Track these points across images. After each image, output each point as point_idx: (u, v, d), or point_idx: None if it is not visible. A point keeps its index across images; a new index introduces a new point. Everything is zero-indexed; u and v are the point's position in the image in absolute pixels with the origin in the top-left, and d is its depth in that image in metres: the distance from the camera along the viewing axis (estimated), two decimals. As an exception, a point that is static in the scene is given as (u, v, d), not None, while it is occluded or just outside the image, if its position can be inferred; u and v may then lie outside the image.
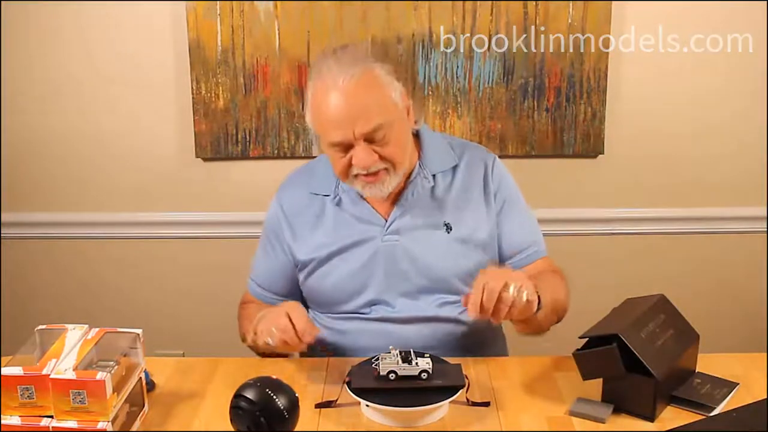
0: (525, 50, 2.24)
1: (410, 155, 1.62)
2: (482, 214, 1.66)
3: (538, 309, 1.47)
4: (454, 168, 1.68)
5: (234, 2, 2.19)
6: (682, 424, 1.31)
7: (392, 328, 1.63)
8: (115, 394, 1.25)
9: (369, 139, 1.51)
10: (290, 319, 1.44)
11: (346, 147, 1.53)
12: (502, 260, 1.69)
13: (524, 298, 1.39)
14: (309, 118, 1.58)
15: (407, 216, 1.64)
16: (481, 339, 1.68)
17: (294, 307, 1.48)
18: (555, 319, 1.62)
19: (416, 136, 1.68)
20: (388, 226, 1.63)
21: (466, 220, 1.65)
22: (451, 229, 1.64)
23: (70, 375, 1.22)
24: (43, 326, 1.36)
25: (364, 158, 1.52)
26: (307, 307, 1.77)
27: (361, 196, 1.64)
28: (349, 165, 1.55)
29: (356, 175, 1.56)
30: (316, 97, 1.54)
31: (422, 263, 1.63)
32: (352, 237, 1.64)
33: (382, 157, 1.53)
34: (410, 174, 1.64)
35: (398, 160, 1.56)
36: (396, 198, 1.64)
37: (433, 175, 1.66)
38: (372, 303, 1.65)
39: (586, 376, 1.40)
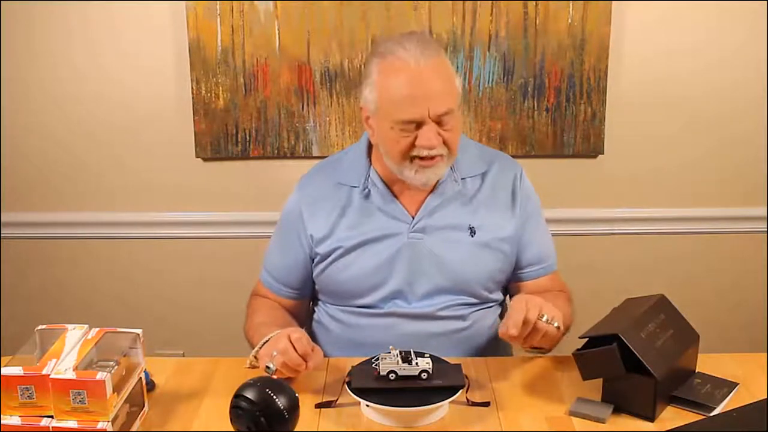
0: (525, 50, 2.24)
1: None
2: (507, 221, 1.67)
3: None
4: (483, 174, 1.69)
5: (234, 2, 2.20)
6: (682, 424, 1.30)
7: (403, 323, 1.64)
8: (115, 394, 1.25)
9: (437, 122, 1.53)
10: (290, 341, 1.43)
11: (416, 126, 1.53)
12: (517, 269, 1.72)
13: (555, 327, 1.44)
14: (372, 96, 1.57)
15: (434, 216, 1.64)
16: (487, 339, 1.69)
17: (295, 330, 1.47)
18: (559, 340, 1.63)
19: None
20: (415, 224, 1.64)
21: (491, 225, 1.66)
22: (475, 233, 1.65)
23: (70, 375, 1.22)
24: (43, 326, 1.36)
25: (431, 138, 1.52)
26: (316, 300, 1.78)
27: (390, 191, 1.65)
28: (411, 146, 1.55)
29: (413, 158, 1.56)
30: (385, 75, 1.54)
31: (444, 264, 1.64)
32: (377, 231, 1.64)
33: (444, 142, 1.55)
34: None
35: (455, 148, 1.58)
36: (424, 197, 1.65)
37: (463, 179, 1.67)
38: (389, 298, 1.65)
39: (586, 376, 1.40)
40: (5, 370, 1.23)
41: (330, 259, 1.67)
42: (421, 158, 1.55)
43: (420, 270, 1.64)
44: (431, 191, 1.65)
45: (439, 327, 1.64)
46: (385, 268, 1.64)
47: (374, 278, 1.64)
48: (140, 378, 1.36)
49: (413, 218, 1.64)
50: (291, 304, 1.75)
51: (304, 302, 1.79)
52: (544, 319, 1.43)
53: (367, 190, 1.66)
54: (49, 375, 1.22)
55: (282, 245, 1.74)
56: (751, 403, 1.33)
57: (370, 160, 1.69)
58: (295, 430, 1.22)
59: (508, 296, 1.79)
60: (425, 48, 1.53)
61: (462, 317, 1.66)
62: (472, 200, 1.67)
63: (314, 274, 1.72)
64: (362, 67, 2.23)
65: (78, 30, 2.26)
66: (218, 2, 2.19)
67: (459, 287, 1.65)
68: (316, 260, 1.69)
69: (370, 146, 1.70)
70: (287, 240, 1.72)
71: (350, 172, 1.69)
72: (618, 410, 1.38)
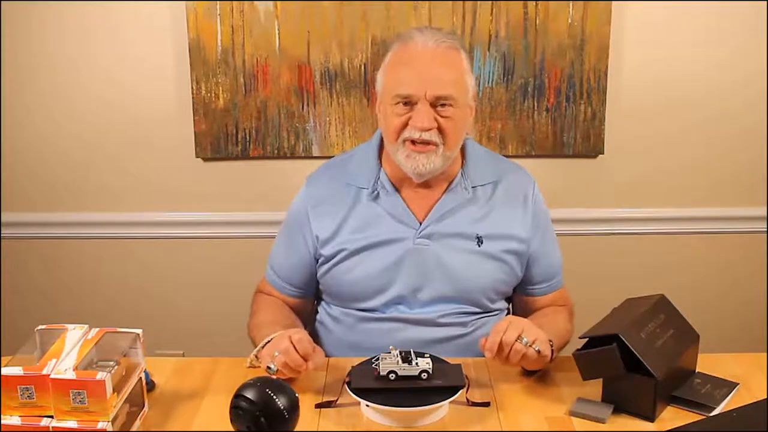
0: (525, 50, 2.24)
1: (454, 161, 1.64)
2: (516, 233, 1.66)
3: (552, 359, 1.49)
4: (495, 183, 1.68)
5: (234, 2, 2.19)
6: (682, 424, 1.31)
7: (405, 328, 1.64)
8: (115, 394, 1.25)
9: (434, 105, 1.53)
10: (292, 342, 1.43)
11: (410, 104, 1.54)
12: (526, 283, 1.72)
13: (535, 350, 1.42)
14: (382, 78, 1.60)
15: (442, 223, 1.63)
16: None
17: (296, 332, 1.47)
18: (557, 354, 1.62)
19: (461, 148, 1.67)
20: (422, 230, 1.63)
21: (500, 235, 1.65)
22: (482, 243, 1.64)
23: (70, 375, 1.22)
24: (43, 326, 1.36)
25: (423, 119, 1.52)
26: (320, 299, 1.78)
27: (399, 194, 1.64)
28: (404, 126, 1.55)
29: (405, 141, 1.56)
30: (397, 54, 1.57)
31: (449, 272, 1.63)
32: (384, 234, 1.63)
33: (439, 128, 1.54)
34: (451, 182, 1.65)
35: (452, 140, 1.57)
36: (433, 203, 1.64)
37: (473, 187, 1.66)
38: (392, 303, 1.65)
39: (586, 376, 1.40)
40: (5, 370, 1.23)
41: (334, 260, 1.66)
42: (413, 142, 1.55)
43: (425, 277, 1.63)
44: (441, 196, 1.64)
45: (440, 333, 1.64)
46: (389, 272, 1.63)
47: (378, 282, 1.64)
48: (140, 378, 1.36)
49: (420, 224, 1.64)
50: (295, 303, 1.75)
51: (308, 301, 1.79)
52: (524, 342, 1.41)
53: (376, 192, 1.65)
54: (49, 375, 1.22)
55: (287, 244, 1.74)
56: (751, 403, 1.33)
57: (381, 162, 1.68)
58: (295, 430, 1.22)
59: (511, 305, 1.79)
60: (442, 37, 1.56)
61: (463, 324, 1.66)
62: (483, 209, 1.65)
63: (318, 275, 1.71)
64: (362, 67, 2.23)
65: (78, 30, 2.25)
66: (218, 2, 2.19)
67: (461, 296, 1.65)
68: (320, 261, 1.69)
69: (380, 147, 1.69)
70: (293, 239, 1.72)
71: (359, 172, 1.68)
72: (618, 410, 1.38)
